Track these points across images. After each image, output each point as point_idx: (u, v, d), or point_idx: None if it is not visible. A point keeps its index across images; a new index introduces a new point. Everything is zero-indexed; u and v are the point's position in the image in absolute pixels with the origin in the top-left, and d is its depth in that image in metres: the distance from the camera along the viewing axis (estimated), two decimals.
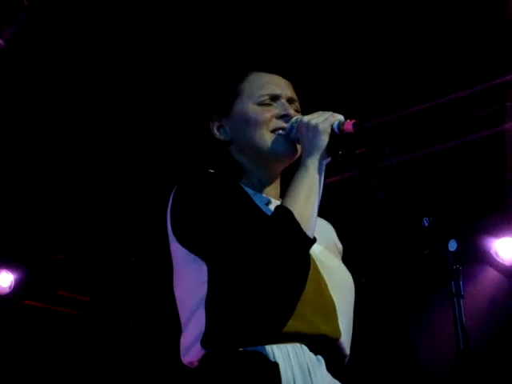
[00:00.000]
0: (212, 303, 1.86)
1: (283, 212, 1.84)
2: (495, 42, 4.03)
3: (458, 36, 4.01)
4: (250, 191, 2.05)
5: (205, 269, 1.89)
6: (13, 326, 5.41)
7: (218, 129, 2.15)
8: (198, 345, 1.86)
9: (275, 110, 2.09)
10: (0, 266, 5.25)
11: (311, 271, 1.88)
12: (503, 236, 4.83)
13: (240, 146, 2.11)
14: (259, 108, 2.09)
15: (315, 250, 1.99)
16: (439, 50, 4.10)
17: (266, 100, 2.10)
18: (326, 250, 2.07)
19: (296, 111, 2.12)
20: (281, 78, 2.19)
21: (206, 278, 1.88)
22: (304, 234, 1.83)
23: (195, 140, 2.19)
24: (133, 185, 4.96)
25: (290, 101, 2.13)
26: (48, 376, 5.46)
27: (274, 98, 2.11)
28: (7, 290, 5.27)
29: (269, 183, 2.11)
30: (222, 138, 2.14)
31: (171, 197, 1.99)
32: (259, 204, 2.00)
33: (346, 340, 1.96)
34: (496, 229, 4.78)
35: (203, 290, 1.88)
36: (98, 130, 4.59)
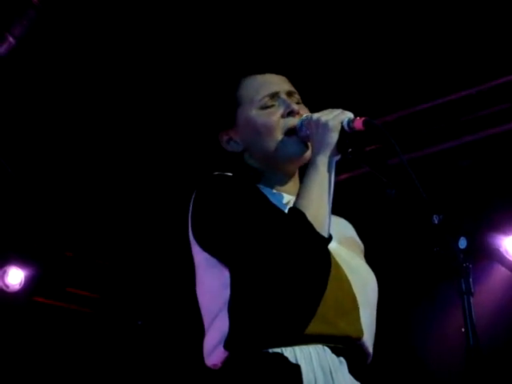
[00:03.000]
0: (235, 306, 1.87)
1: (296, 214, 1.85)
2: (505, 38, 4.02)
3: (467, 33, 4.00)
4: (268, 191, 2.06)
5: (226, 272, 1.90)
6: (23, 323, 5.42)
7: (228, 142, 2.14)
8: (221, 347, 1.87)
9: (279, 109, 2.08)
10: (10, 263, 5.26)
11: (332, 269, 1.89)
12: None
13: (253, 153, 2.11)
14: (263, 112, 2.08)
15: (336, 249, 2.00)
16: (449, 47, 4.09)
17: (267, 102, 2.09)
18: (348, 248, 2.08)
19: (298, 103, 2.11)
20: (274, 75, 2.18)
21: (228, 282, 1.89)
22: (318, 234, 1.83)
23: (210, 145, 2.18)
24: (142, 183, 4.97)
25: (289, 94, 2.12)
26: (57, 373, 5.48)
27: (274, 96, 2.09)
28: (17, 287, 5.28)
29: (286, 181, 2.11)
30: (234, 149, 2.14)
31: (191, 201, 1.99)
32: (278, 203, 2.00)
33: (368, 339, 1.96)
34: (506, 226, 4.77)
35: (226, 293, 1.89)
36: (108, 128, 4.59)
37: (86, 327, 5.69)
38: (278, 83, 2.14)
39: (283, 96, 2.10)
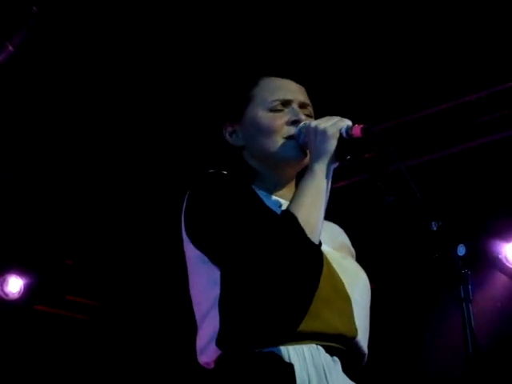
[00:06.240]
0: (225, 304, 1.87)
1: (288, 218, 1.85)
2: (504, 45, 4.03)
3: (466, 40, 4.01)
4: (263, 193, 2.07)
5: (217, 270, 1.91)
6: (22, 331, 5.42)
7: (231, 134, 2.16)
8: (213, 345, 1.87)
9: (286, 116, 2.09)
10: (9, 272, 5.26)
11: (325, 270, 1.89)
12: None
13: (252, 151, 2.12)
14: (270, 114, 2.09)
15: (328, 250, 2.00)
16: (447, 54, 4.10)
17: (278, 106, 2.10)
18: (338, 251, 2.08)
19: (308, 116, 2.12)
20: (293, 82, 2.18)
21: (218, 279, 1.90)
22: (308, 240, 1.83)
23: (208, 142, 2.20)
24: (142, 190, 4.97)
25: (302, 106, 2.13)
26: (57, 381, 5.47)
27: (286, 103, 2.11)
28: (17, 296, 5.28)
29: (282, 186, 2.12)
30: (234, 143, 2.15)
31: (185, 199, 2.00)
32: (272, 206, 2.00)
33: (362, 338, 1.96)
34: (505, 233, 4.77)
35: (216, 290, 1.89)
36: (108, 137, 4.59)
37: (85, 335, 5.68)
38: (294, 92, 2.14)
39: (294, 106, 2.11)
